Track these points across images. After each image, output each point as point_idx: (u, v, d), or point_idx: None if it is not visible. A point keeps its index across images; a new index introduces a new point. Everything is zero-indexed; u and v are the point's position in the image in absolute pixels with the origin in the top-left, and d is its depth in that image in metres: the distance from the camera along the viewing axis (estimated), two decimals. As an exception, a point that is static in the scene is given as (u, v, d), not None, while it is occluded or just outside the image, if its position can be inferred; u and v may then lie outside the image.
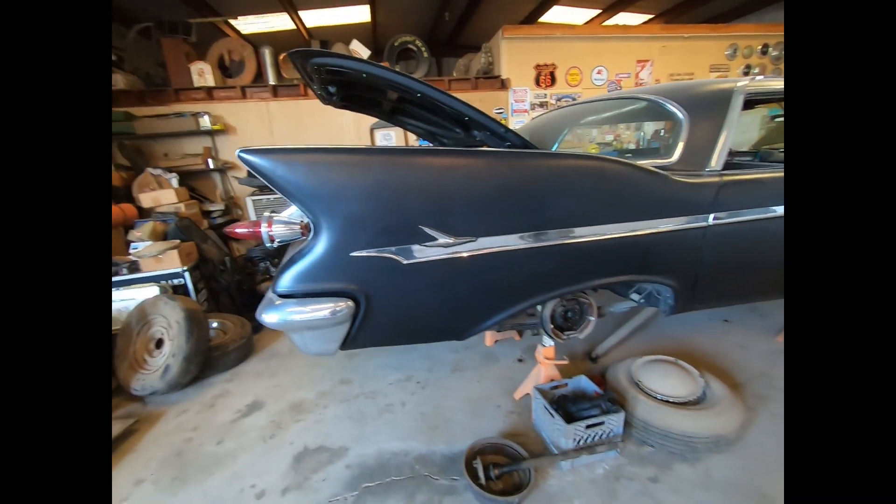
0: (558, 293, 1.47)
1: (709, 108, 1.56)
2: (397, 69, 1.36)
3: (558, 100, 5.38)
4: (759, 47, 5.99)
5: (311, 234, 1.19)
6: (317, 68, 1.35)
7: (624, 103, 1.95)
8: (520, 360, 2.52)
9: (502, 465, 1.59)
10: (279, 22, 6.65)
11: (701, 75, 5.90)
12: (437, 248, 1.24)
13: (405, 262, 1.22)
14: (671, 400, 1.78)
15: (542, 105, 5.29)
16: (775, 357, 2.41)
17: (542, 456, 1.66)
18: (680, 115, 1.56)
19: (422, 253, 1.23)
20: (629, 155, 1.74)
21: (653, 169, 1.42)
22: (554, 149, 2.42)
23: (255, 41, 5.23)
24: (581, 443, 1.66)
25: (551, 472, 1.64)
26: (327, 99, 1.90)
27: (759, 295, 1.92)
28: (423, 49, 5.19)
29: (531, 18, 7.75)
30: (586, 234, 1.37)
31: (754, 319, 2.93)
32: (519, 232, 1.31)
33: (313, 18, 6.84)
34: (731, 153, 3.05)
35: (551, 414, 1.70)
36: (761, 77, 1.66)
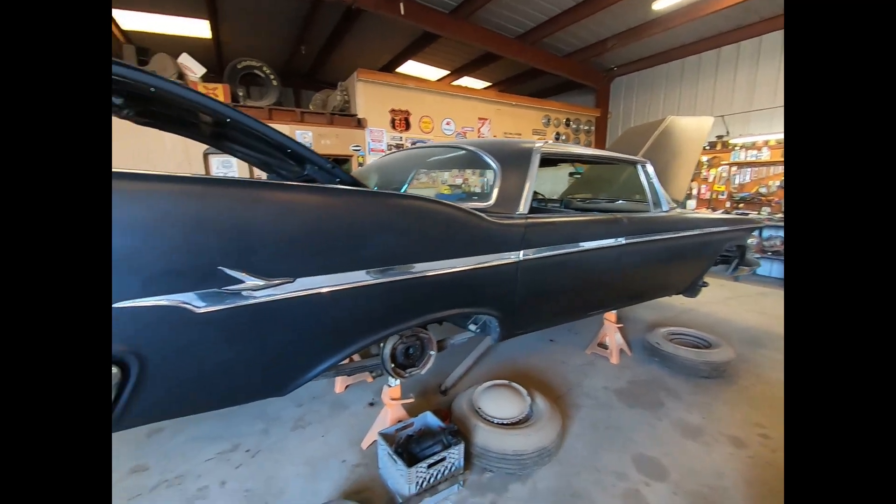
0: (390, 332, 1.45)
1: (515, 162, 1.86)
2: (200, 89, 1.19)
3: (413, 143, 5.75)
4: (564, 120, 7.72)
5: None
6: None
7: (450, 151, 2.19)
8: (371, 404, 2.39)
9: (339, 533, 1.41)
10: (79, 16, 5.43)
11: (527, 135, 7.19)
12: (244, 293, 1.07)
13: (199, 310, 1.01)
14: (504, 422, 1.92)
15: (398, 147, 5.56)
16: (586, 368, 2.90)
17: (385, 509, 1.55)
18: (494, 165, 1.81)
19: (222, 299, 1.05)
20: (462, 196, 1.89)
21: (472, 210, 1.58)
22: (403, 189, 2.52)
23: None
24: (424, 484, 1.61)
25: (394, 525, 1.53)
26: (118, 111, 1.56)
27: (569, 317, 2.29)
28: (273, 76, 4.91)
29: (389, 67, 8.26)
30: (414, 270, 1.41)
31: (571, 337, 3.50)
32: (343, 271, 1.25)
33: (133, 20, 5.81)
34: (544, 201, 3.74)
35: (394, 459, 1.62)
36: (551, 142, 2.08)
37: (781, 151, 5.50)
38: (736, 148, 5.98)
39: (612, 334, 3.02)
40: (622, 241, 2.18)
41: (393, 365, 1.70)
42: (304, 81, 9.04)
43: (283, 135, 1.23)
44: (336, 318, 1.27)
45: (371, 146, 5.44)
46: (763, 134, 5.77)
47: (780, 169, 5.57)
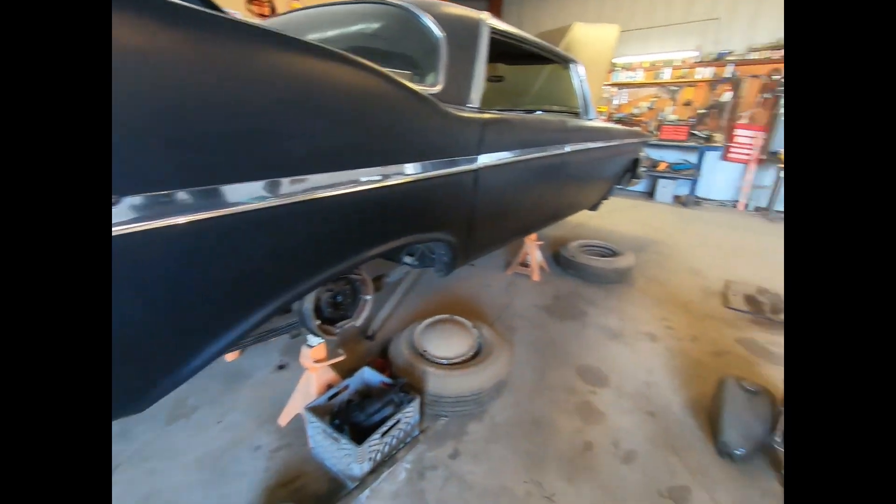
0: (317, 281, 0.95)
1: (463, 32, 1.35)
2: None
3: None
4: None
5: None
6: None
7: (366, 13, 1.48)
8: (281, 367, 1.90)
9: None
10: None
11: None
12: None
13: None
14: (457, 361, 1.68)
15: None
16: (511, 289, 2.85)
17: (336, 501, 1.20)
18: (437, 32, 1.27)
19: None
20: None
21: (427, 95, 1.08)
22: None
23: None
24: (379, 457, 1.30)
25: (347, 514, 1.21)
26: None
27: (518, 235, 2.04)
28: None
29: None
30: (353, 180, 0.90)
31: (487, 259, 3.41)
32: (239, 181, 0.68)
33: None
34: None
35: (334, 437, 1.24)
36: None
37: (654, 74, 5.98)
38: (617, 68, 6.30)
39: (533, 252, 3.00)
40: (568, 148, 1.95)
41: (318, 322, 1.23)
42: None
43: None
44: (229, 267, 0.72)
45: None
46: (638, 55, 6.14)
47: (651, 91, 6.10)
